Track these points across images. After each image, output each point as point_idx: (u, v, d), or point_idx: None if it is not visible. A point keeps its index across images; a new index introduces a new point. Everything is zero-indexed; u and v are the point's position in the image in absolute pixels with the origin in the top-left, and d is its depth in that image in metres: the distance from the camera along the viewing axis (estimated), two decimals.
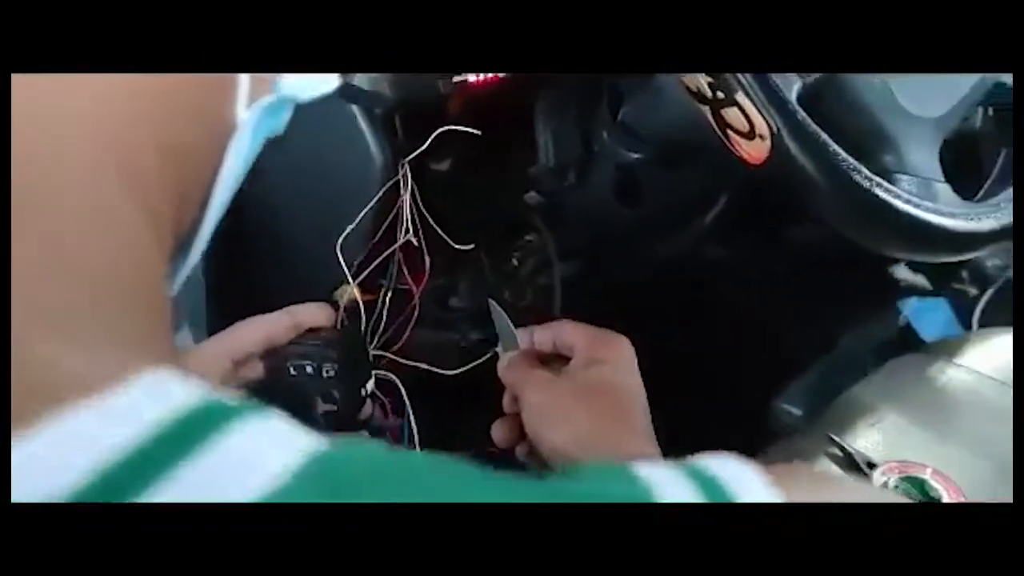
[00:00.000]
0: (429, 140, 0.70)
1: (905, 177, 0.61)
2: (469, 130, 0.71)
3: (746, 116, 0.54)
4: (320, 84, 0.31)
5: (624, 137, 0.76)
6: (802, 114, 0.55)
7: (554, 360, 0.62)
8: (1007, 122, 0.75)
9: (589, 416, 0.54)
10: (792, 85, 0.56)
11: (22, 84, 0.21)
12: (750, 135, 0.55)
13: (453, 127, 0.70)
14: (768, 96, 0.54)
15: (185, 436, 0.20)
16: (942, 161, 0.64)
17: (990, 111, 0.77)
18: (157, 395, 0.20)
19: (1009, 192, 0.68)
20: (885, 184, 0.58)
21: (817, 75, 0.58)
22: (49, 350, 0.19)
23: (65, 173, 0.21)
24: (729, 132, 0.56)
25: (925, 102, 0.64)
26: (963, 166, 0.69)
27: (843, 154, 0.56)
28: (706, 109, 0.55)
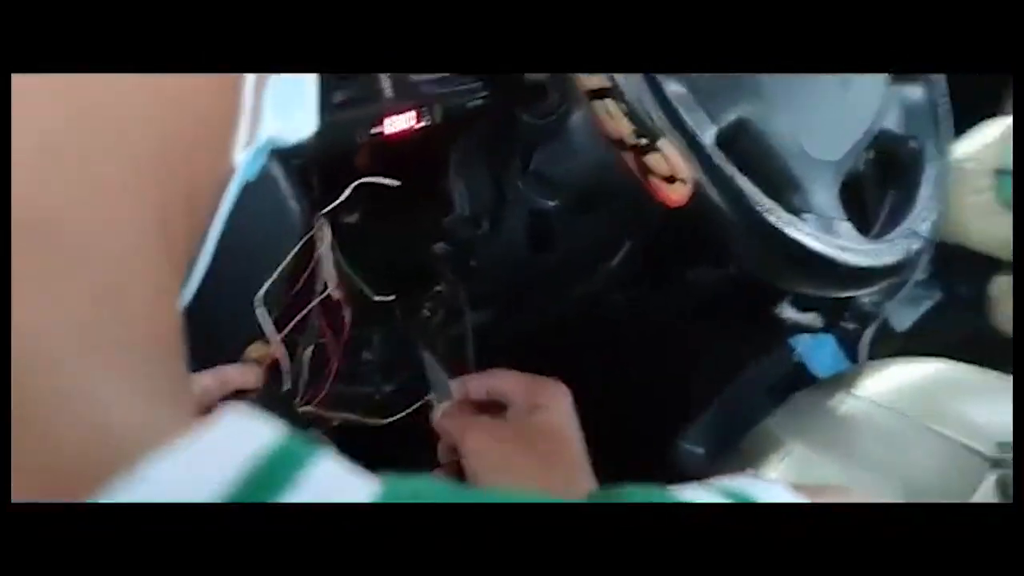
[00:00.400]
0: (346, 192, 0.69)
1: (811, 216, 0.64)
2: (386, 181, 0.71)
3: (667, 161, 0.56)
4: (300, 129, 0.31)
5: (537, 185, 0.77)
6: (720, 158, 0.57)
7: (488, 409, 0.62)
8: (889, 165, 0.80)
9: (533, 462, 0.54)
10: (708, 131, 0.59)
11: (54, 84, 0.21)
12: (671, 179, 0.57)
13: (370, 179, 0.70)
14: (688, 141, 0.56)
15: (275, 473, 0.20)
16: (843, 201, 0.69)
17: (871, 154, 0.81)
18: (244, 433, 0.20)
19: (900, 229, 0.72)
20: (796, 223, 0.61)
21: (731, 120, 0.61)
22: (115, 394, 0.19)
23: (102, 199, 0.21)
24: (651, 177, 0.58)
25: (824, 146, 0.68)
26: (857, 206, 0.74)
27: (757, 195, 0.59)
28: (628, 156, 0.57)
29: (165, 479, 0.18)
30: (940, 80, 0.82)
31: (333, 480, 0.20)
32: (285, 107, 0.29)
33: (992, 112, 1.30)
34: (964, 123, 1.29)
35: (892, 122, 0.78)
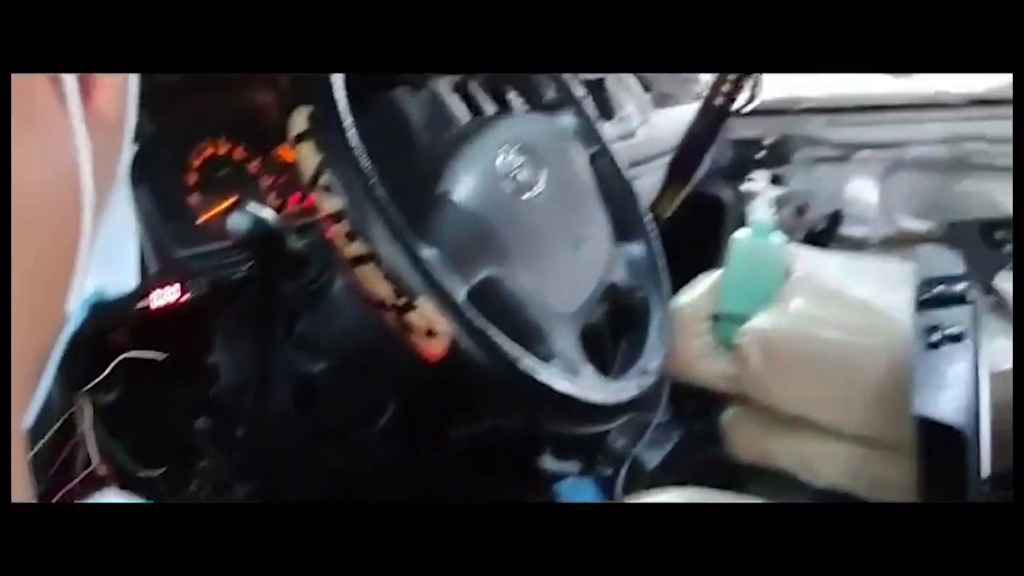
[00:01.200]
0: (108, 369, 0.69)
1: (557, 361, 0.71)
2: (150, 355, 0.71)
3: (425, 318, 0.61)
4: (124, 283, 0.32)
5: (302, 350, 0.80)
6: (472, 312, 0.63)
7: None
8: (621, 314, 0.90)
9: None
10: (460, 289, 0.65)
11: None
12: (430, 334, 0.62)
13: (133, 353, 0.70)
14: (443, 299, 0.62)
15: None
16: (583, 347, 0.77)
17: (605, 304, 0.91)
18: None
19: (634, 369, 0.81)
20: (544, 368, 0.68)
21: (480, 279, 0.68)
22: None
23: None
24: (411, 334, 0.62)
25: (563, 299, 0.77)
26: (597, 351, 0.82)
27: (508, 344, 0.65)
28: (390, 316, 0.62)
29: None
30: (656, 239, 0.94)
31: None
32: (110, 260, 0.31)
33: (707, 265, 1.48)
34: (681, 275, 1.46)
35: (620, 276, 0.89)
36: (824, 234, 2.00)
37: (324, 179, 0.61)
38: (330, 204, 0.61)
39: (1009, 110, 1.85)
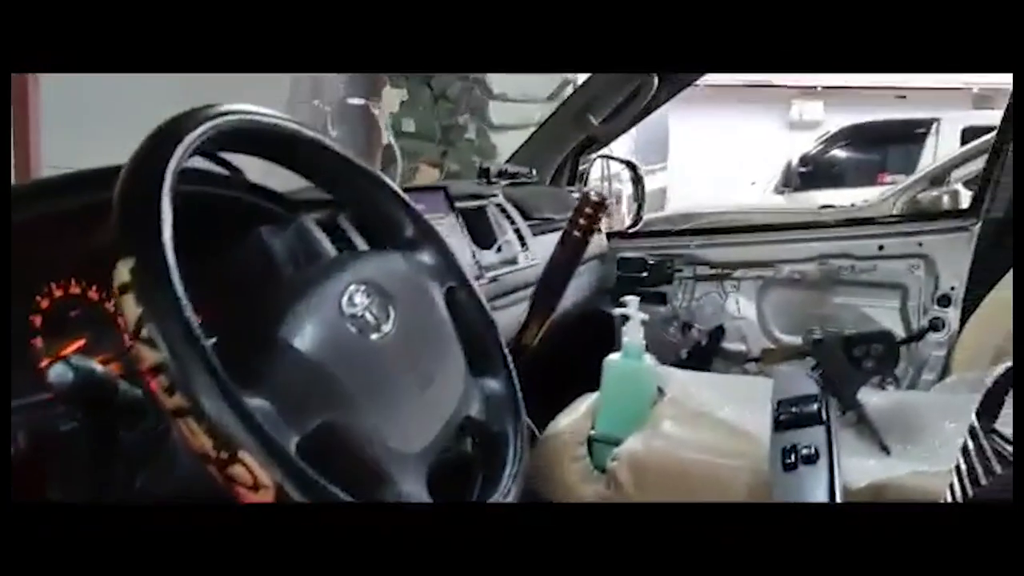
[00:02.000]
0: None
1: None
2: None
3: (250, 471, 0.60)
4: None
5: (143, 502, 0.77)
6: (301, 464, 0.62)
7: None
8: (479, 448, 0.90)
9: None
10: (291, 438, 0.64)
11: None
12: (255, 487, 0.60)
13: None
14: (269, 450, 0.60)
15: None
16: (430, 487, 0.76)
17: (462, 440, 0.91)
18: None
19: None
20: None
21: (315, 426, 0.67)
22: None
23: None
24: (236, 487, 0.61)
25: (408, 440, 0.76)
26: (449, 487, 0.81)
27: (342, 494, 0.64)
28: (212, 469, 0.60)
29: None
30: (513, 373, 0.95)
31: None
32: None
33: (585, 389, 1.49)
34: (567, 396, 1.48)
35: (476, 409, 0.89)
36: (707, 349, 2.06)
37: (145, 332, 0.60)
38: (151, 357, 0.60)
39: (873, 228, 1.97)
